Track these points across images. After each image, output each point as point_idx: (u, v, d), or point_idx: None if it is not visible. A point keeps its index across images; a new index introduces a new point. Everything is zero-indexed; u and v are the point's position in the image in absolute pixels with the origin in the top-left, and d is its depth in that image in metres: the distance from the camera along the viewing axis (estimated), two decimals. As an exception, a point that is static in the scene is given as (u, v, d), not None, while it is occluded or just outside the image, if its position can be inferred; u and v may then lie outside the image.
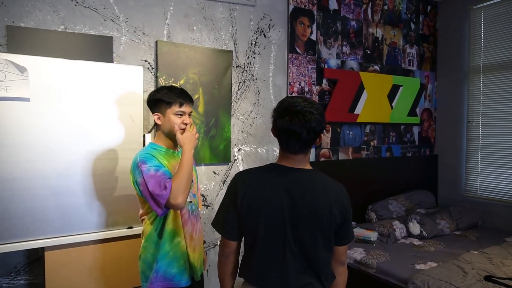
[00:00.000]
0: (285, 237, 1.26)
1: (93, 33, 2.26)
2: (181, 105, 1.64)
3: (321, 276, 1.29)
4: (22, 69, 1.78)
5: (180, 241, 1.64)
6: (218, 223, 1.38)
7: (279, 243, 1.27)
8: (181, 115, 1.65)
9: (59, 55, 2.05)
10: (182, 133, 1.62)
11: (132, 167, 1.57)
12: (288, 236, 1.26)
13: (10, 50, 1.99)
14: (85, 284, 2.03)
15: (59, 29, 2.16)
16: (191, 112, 1.72)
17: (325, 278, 1.31)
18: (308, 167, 1.35)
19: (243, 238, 1.37)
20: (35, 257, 2.13)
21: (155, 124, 1.69)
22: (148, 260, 1.63)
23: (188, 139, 1.59)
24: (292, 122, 1.23)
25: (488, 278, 2.20)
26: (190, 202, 1.71)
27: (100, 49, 2.27)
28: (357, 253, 2.76)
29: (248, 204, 1.28)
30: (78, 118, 1.96)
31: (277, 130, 1.28)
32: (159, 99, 1.63)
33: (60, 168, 1.91)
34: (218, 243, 2.80)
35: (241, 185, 1.31)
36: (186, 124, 1.66)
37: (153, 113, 1.67)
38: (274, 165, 1.35)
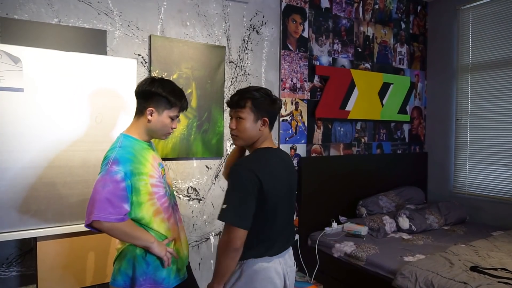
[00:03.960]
0: (289, 209, 1.58)
1: (86, 27, 2.28)
2: (180, 111, 1.57)
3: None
4: (15, 60, 1.79)
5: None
6: (238, 216, 1.38)
7: (286, 215, 1.56)
8: (173, 119, 1.56)
9: (52, 48, 2.05)
10: (166, 138, 1.62)
11: (103, 161, 1.45)
12: (289, 209, 1.57)
13: (3, 42, 1.99)
14: (78, 275, 2.04)
15: (53, 22, 2.18)
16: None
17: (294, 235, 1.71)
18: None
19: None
20: (27, 249, 2.13)
21: (136, 114, 1.59)
22: (131, 260, 1.50)
23: (162, 253, 1.51)
24: (277, 101, 1.54)
25: (474, 269, 2.25)
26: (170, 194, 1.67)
27: (94, 43, 2.29)
28: (347, 247, 2.81)
29: (271, 191, 1.43)
30: (72, 109, 1.97)
31: (274, 114, 1.54)
32: (163, 96, 1.50)
33: (53, 159, 1.92)
34: (211, 237, 2.83)
35: (262, 175, 1.41)
36: (173, 129, 1.59)
37: (147, 106, 1.51)
38: (268, 149, 1.53)
